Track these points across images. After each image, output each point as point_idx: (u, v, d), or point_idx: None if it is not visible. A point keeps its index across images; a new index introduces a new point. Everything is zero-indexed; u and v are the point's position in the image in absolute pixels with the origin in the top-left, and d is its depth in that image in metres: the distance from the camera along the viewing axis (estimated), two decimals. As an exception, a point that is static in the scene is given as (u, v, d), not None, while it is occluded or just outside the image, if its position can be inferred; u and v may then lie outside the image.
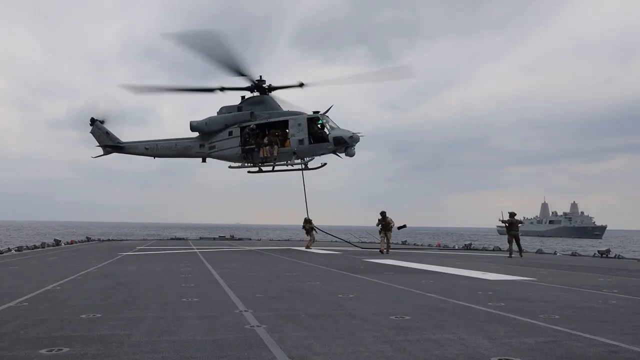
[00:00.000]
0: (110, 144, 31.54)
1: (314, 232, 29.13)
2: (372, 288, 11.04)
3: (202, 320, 7.06)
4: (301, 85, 27.98)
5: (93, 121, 31.79)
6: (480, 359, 5.08)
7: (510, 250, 23.08)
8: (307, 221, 28.94)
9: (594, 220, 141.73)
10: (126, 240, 45.66)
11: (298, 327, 6.59)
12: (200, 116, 30.76)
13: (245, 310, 7.82)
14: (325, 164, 28.69)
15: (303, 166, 28.42)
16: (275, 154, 27.76)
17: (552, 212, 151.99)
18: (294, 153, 27.70)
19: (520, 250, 23.34)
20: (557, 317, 7.41)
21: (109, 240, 43.65)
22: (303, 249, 28.35)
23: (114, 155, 32.29)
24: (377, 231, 25.44)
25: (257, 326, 6.61)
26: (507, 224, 22.89)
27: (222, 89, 28.62)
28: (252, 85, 28.70)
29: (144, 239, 49.61)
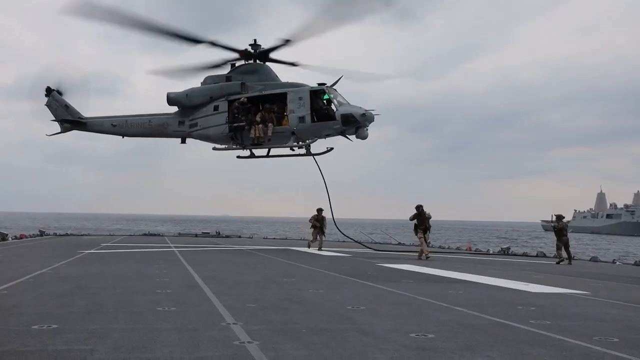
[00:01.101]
0: (70, 119, 31.50)
1: (320, 229, 27.99)
2: (388, 299, 11.06)
3: (181, 334, 7.08)
4: (287, 42, 27.62)
5: (49, 91, 31.68)
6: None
7: (559, 257, 23.95)
8: (319, 212, 28.11)
9: None
10: (89, 235, 45.87)
11: (298, 345, 6.60)
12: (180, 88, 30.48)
13: (233, 323, 7.84)
14: (331, 148, 28.47)
15: (305, 151, 28.18)
16: (270, 133, 27.43)
17: (611, 204, 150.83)
18: (293, 133, 27.32)
19: (570, 257, 24.09)
20: (616, 340, 7.39)
21: (67, 234, 43.90)
22: (303, 250, 28.40)
23: (74, 132, 32.32)
24: (406, 226, 24.74)
25: (249, 342, 6.63)
26: (555, 229, 24.32)
27: (213, 44, 28.22)
28: (244, 51, 28.43)
29: (110, 234, 49.80)
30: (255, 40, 28.40)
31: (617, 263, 27.58)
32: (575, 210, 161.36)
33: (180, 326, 7.58)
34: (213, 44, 27.76)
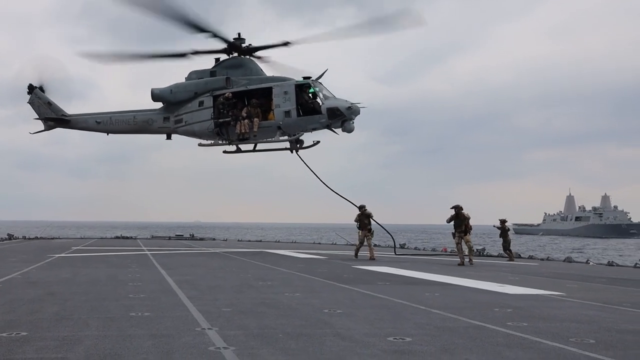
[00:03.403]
0: (53, 117, 31.19)
1: (367, 232, 24.04)
2: (365, 302, 11.05)
3: (155, 340, 6.99)
4: (286, 44, 27.90)
5: (32, 89, 31.33)
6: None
7: (509, 255, 27.91)
8: (362, 211, 24.06)
9: (629, 216, 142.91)
10: (59, 238, 45.21)
11: (274, 350, 6.55)
12: (150, 88, 30.22)
13: (208, 328, 7.78)
14: (318, 142, 28.68)
15: (290, 144, 28.32)
16: (256, 128, 27.51)
17: (579, 207, 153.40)
18: (279, 128, 27.51)
19: (512, 256, 28.05)
20: (592, 341, 7.45)
21: (36, 238, 43.20)
22: (279, 252, 28.24)
23: (43, 135, 32.07)
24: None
25: (224, 348, 6.57)
26: (500, 230, 28.27)
27: (195, 53, 28.38)
28: (228, 46, 28.50)
29: (81, 237, 49.20)
30: (239, 34, 28.45)
31: (591, 263, 27.93)
32: (545, 213, 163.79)
33: (154, 332, 7.48)
34: (214, 35, 27.67)
